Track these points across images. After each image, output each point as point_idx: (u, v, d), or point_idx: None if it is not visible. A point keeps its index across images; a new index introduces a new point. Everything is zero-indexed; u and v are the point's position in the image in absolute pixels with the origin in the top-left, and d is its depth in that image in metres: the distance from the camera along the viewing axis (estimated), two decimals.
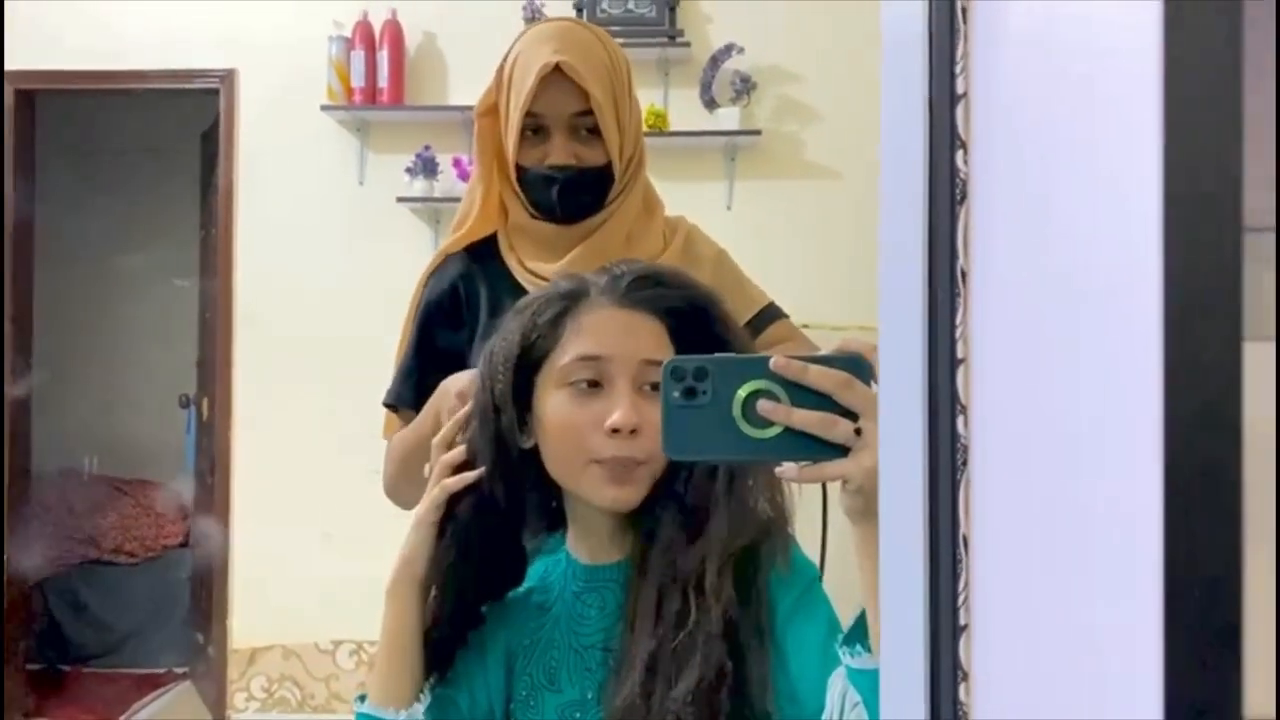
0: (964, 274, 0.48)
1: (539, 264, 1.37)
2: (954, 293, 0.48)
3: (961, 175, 0.48)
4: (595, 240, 1.36)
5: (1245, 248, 0.30)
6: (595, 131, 1.33)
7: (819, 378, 0.73)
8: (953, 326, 0.48)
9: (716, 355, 0.76)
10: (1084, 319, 0.38)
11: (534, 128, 1.33)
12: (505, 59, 1.38)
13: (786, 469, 0.76)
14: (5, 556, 3.45)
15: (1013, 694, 0.44)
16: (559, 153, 1.33)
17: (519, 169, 1.35)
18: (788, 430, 0.72)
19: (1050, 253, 0.41)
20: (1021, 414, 0.44)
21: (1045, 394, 0.42)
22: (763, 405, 0.73)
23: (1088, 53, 0.41)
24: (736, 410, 0.73)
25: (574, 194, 1.34)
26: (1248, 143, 0.30)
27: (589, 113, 1.31)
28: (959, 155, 0.48)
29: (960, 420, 0.48)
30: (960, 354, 0.48)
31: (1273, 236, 0.30)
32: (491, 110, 1.38)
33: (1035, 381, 0.43)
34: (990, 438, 0.46)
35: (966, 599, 0.48)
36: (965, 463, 0.48)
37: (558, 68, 1.29)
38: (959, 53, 0.48)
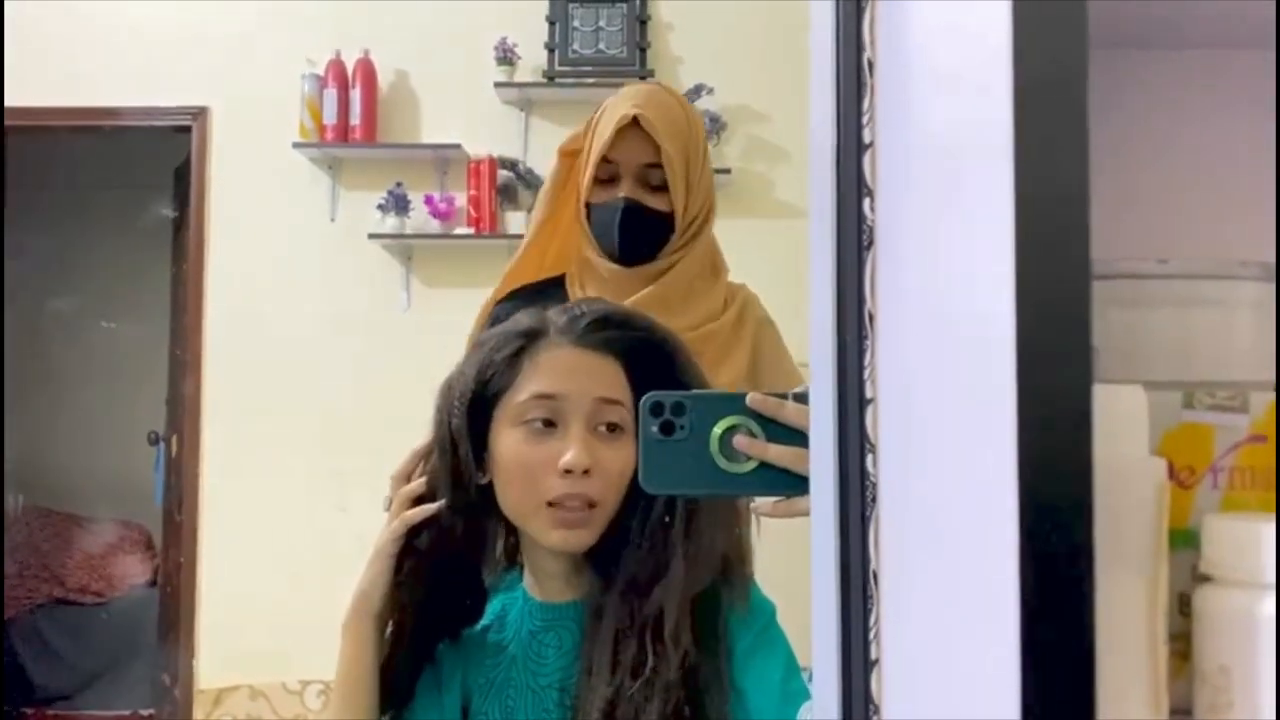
0: (871, 317, 0.49)
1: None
2: (861, 335, 0.49)
3: (869, 221, 0.50)
4: (657, 289, 1.45)
5: (1094, 291, 0.31)
6: (663, 186, 1.44)
7: (794, 414, 0.75)
8: (861, 367, 0.50)
9: (694, 391, 0.78)
10: (969, 365, 0.39)
11: (608, 176, 1.46)
12: (598, 109, 1.52)
13: (761, 504, 0.78)
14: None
15: None
16: (626, 191, 1.45)
17: (588, 207, 1.47)
18: (764, 465, 0.74)
19: (940, 299, 0.43)
20: (923, 453, 0.46)
21: (942, 434, 0.44)
22: (739, 440, 0.74)
23: (981, 105, 0.43)
24: (713, 445, 0.75)
25: (634, 229, 1.45)
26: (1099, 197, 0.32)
27: (659, 165, 1.43)
28: (866, 202, 0.50)
29: (870, 459, 0.50)
30: (869, 394, 0.50)
31: (1118, 282, 0.32)
32: (573, 152, 1.51)
33: (935, 422, 0.45)
34: (896, 476, 0.48)
35: (877, 634, 0.49)
36: (874, 500, 0.49)
37: (635, 120, 1.41)
38: (865, 104, 0.50)
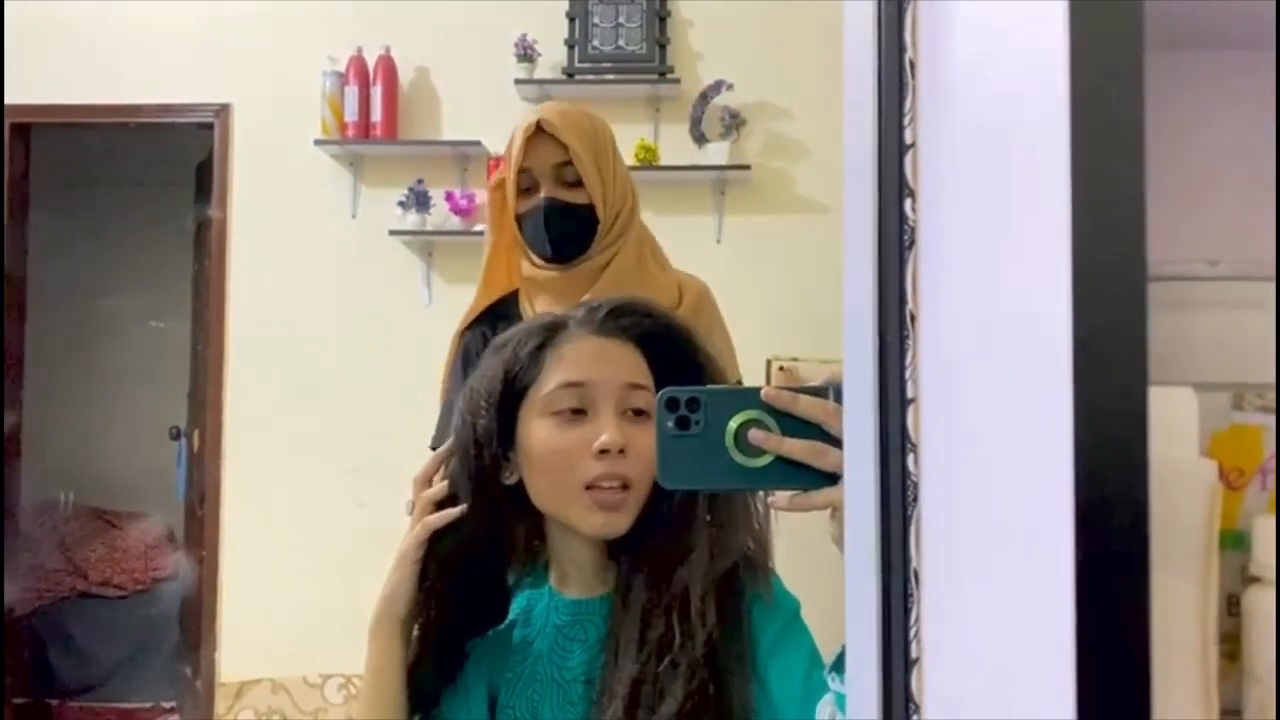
0: (913, 317, 0.50)
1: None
2: (903, 335, 0.50)
3: (910, 222, 0.50)
4: (601, 287, 1.53)
5: (1150, 294, 0.31)
6: (579, 181, 1.56)
7: (809, 408, 0.75)
8: (903, 367, 0.50)
9: (709, 386, 0.78)
10: (1016, 365, 0.40)
11: (528, 184, 1.58)
12: (510, 137, 1.65)
13: (777, 498, 0.78)
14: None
15: None
16: (545, 191, 1.57)
17: (518, 220, 1.59)
18: (779, 459, 0.74)
19: (986, 300, 0.43)
20: (968, 453, 0.46)
21: (987, 434, 0.44)
22: (754, 435, 0.75)
23: (1032, 107, 0.43)
24: (729, 440, 0.75)
25: (559, 224, 1.56)
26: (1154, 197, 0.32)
27: (571, 163, 1.55)
28: (908, 203, 0.50)
29: (911, 458, 0.50)
30: (910, 394, 0.50)
31: (1168, 284, 0.32)
32: (500, 184, 1.64)
33: (979, 422, 0.45)
34: (938, 475, 0.48)
35: (918, 632, 0.50)
36: (916, 499, 0.50)
37: (539, 127, 1.55)
38: (907, 105, 0.50)
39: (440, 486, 1.00)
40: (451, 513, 0.97)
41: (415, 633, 1.00)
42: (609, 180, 1.58)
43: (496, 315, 1.63)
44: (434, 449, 1.60)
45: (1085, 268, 0.31)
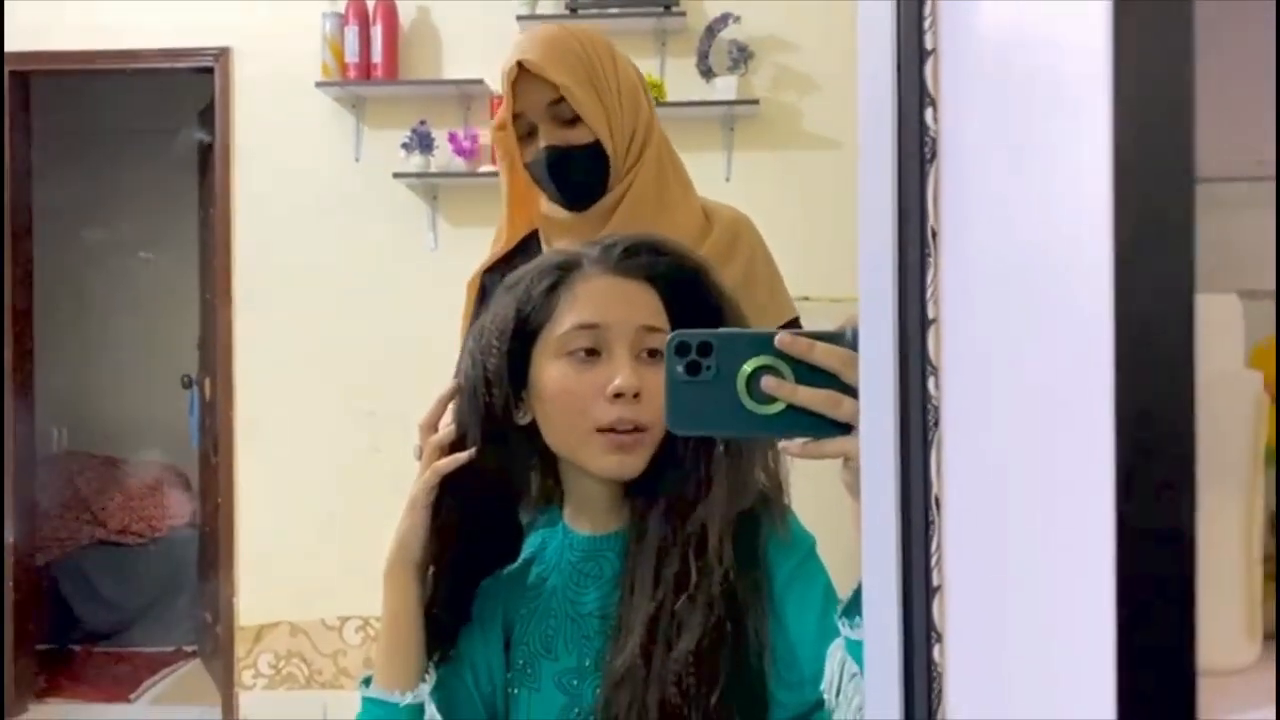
0: (934, 234, 0.47)
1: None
2: (924, 253, 0.47)
3: (931, 133, 0.47)
4: (618, 220, 1.40)
5: (1197, 198, 0.29)
6: (577, 117, 1.40)
7: (824, 355, 0.72)
8: (923, 287, 0.48)
9: (721, 330, 0.76)
10: (1048, 279, 0.37)
11: (526, 130, 1.43)
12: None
13: (789, 445, 0.76)
14: (6, 537, 3.47)
15: (984, 656, 0.44)
16: (545, 137, 1.41)
17: (525, 166, 1.45)
18: (791, 407, 0.72)
19: (1016, 213, 0.40)
20: (991, 374, 0.44)
21: (1014, 354, 0.42)
22: (767, 382, 0.72)
23: (1065, 5, 0.41)
24: (741, 386, 0.72)
25: (566, 172, 1.41)
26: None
27: (565, 99, 1.39)
28: (929, 112, 0.47)
29: (931, 381, 0.48)
30: (931, 315, 0.48)
31: (1218, 186, 0.30)
32: (503, 124, 1.47)
33: (1005, 342, 0.43)
34: (960, 399, 0.46)
35: (939, 560, 0.48)
36: (937, 424, 0.48)
37: (522, 67, 1.38)
38: (927, 7, 0.47)
39: (448, 430, 0.99)
40: (460, 457, 0.96)
41: (430, 574, 0.99)
42: (612, 106, 1.42)
43: (515, 253, 1.52)
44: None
45: (1129, 171, 0.29)
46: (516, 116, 1.41)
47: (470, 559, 1.01)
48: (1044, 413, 0.37)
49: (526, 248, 1.52)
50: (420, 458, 1.00)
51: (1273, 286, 0.36)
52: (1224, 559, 0.34)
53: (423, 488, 0.97)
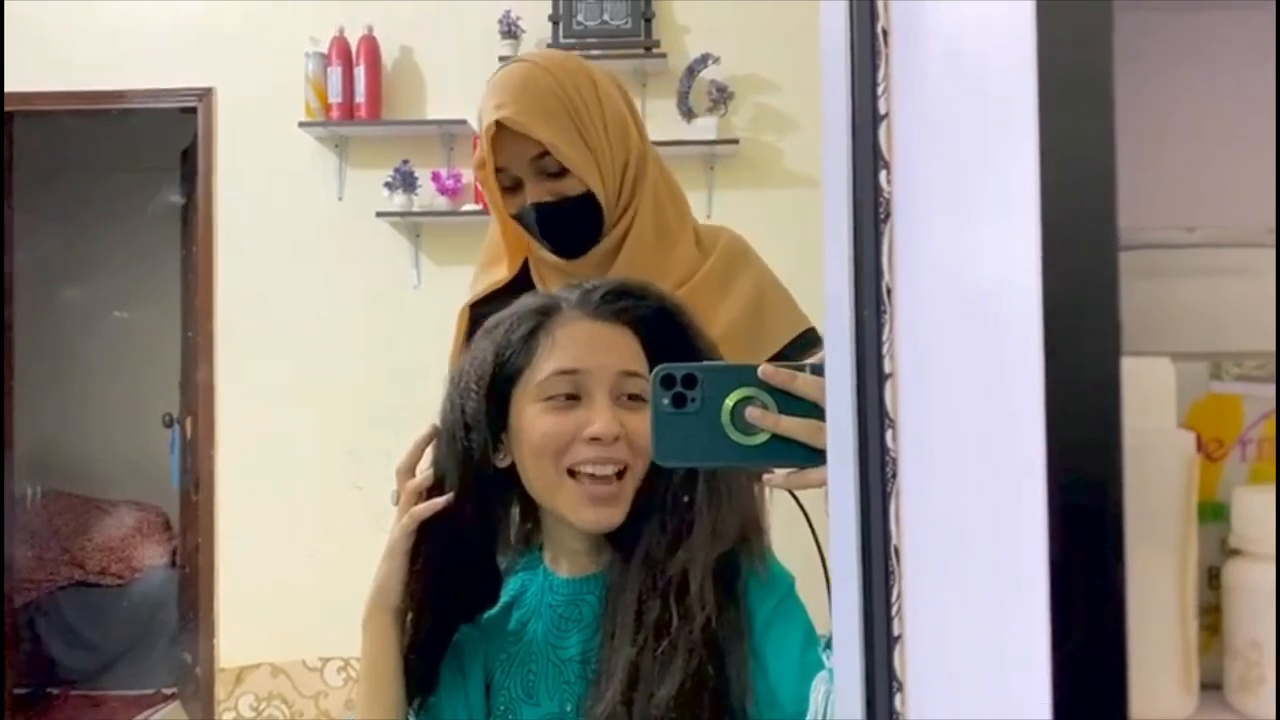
0: (889, 291, 0.49)
1: None
2: (880, 309, 0.49)
3: (885, 194, 0.49)
4: (620, 267, 1.34)
5: (1121, 263, 0.30)
6: (565, 169, 1.31)
7: (806, 385, 0.74)
8: (880, 342, 0.49)
9: (705, 363, 0.78)
10: (987, 340, 0.39)
11: (511, 183, 1.34)
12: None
13: (774, 476, 0.77)
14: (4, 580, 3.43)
15: (941, 705, 0.45)
16: (532, 194, 1.32)
17: (513, 217, 1.36)
18: (775, 437, 0.74)
19: (960, 273, 0.42)
20: (940, 428, 0.45)
21: (961, 409, 0.43)
22: (751, 412, 0.74)
23: (1002, 72, 0.42)
24: (725, 417, 0.74)
25: (557, 227, 1.34)
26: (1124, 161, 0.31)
27: (549, 153, 1.30)
28: (883, 174, 0.49)
29: (889, 434, 0.49)
30: (888, 369, 0.49)
31: (1144, 252, 0.31)
32: (483, 164, 1.37)
33: (952, 398, 0.44)
34: (916, 451, 0.47)
35: (899, 610, 0.49)
36: (895, 475, 0.49)
37: (501, 124, 1.29)
38: (880, 74, 0.49)
39: (425, 475, 0.99)
40: (438, 502, 0.96)
41: (409, 619, 0.99)
42: (599, 147, 1.33)
43: (515, 291, 1.39)
44: None
45: (1054, 236, 0.30)
46: (499, 170, 1.33)
47: (449, 604, 1.01)
48: (988, 467, 0.38)
49: (518, 284, 1.42)
50: (397, 503, 1.00)
51: (1204, 349, 0.38)
52: (1158, 612, 0.35)
53: (400, 533, 0.97)
